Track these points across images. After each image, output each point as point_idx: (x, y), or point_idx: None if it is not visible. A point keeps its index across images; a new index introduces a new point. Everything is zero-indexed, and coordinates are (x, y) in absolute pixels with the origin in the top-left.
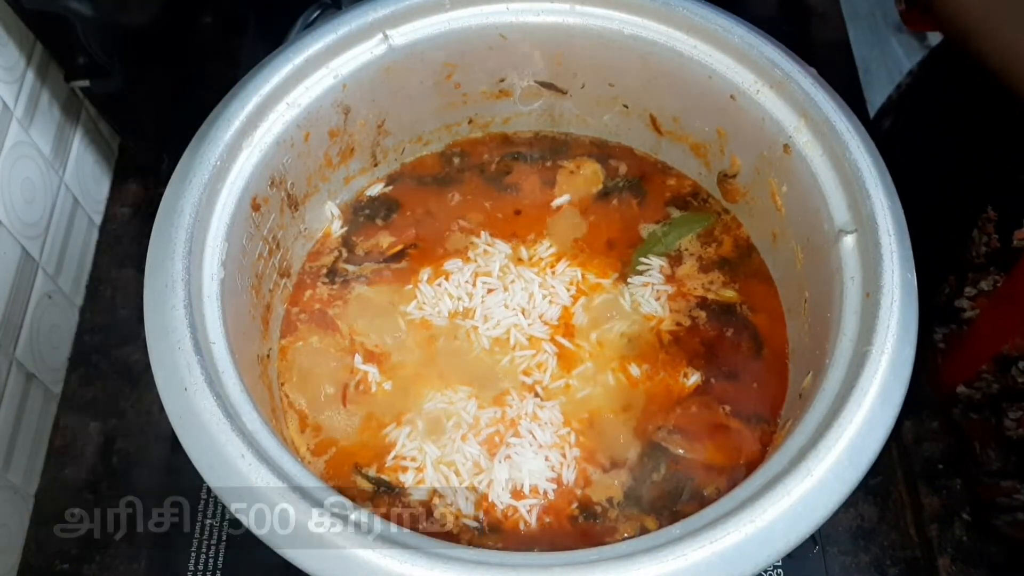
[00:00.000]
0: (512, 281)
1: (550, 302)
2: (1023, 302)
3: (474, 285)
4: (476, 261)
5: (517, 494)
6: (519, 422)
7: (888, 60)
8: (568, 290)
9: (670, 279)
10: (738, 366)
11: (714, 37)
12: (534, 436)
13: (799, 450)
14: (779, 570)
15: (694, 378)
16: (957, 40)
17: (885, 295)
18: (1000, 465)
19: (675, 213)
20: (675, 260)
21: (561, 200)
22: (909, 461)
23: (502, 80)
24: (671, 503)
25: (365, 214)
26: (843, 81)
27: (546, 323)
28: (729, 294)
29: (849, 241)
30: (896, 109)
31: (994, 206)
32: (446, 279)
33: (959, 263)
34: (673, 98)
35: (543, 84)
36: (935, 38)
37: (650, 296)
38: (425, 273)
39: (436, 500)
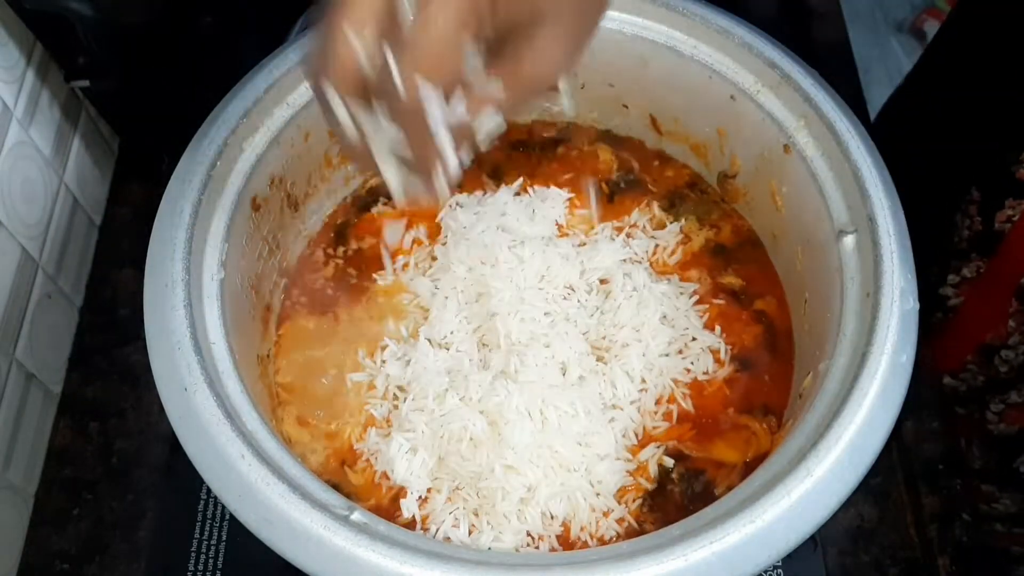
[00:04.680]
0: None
1: (566, 283)
2: (1005, 288)
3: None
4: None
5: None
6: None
7: (888, 60)
8: (581, 269)
9: (680, 264)
10: (751, 356)
11: (714, 37)
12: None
13: (799, 450)
14: (779, 570)
15: (708, 368)
16: None
17: (885, 295)
18: (982, 463)
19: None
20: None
21: (560, 192)
22: (909, 461)
23: None
24: (687, 504)
25: (364, 208)
26: (843, 81)
27: (559, 302)
28: (733, 279)
29: (849, 241)
30: (894, 108)
31: (978, 186)
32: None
33: (942, 250)
34: (673, 98)
35: None
36: None
37: (658, 283)
38: (428, 262)
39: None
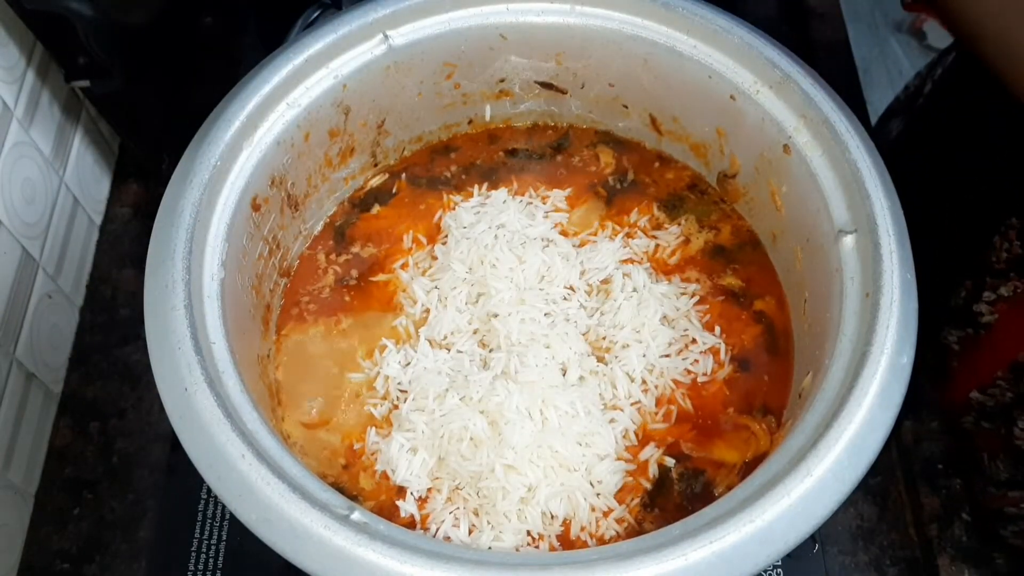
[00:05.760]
0: (523, 262)
1: (566, 282)
2: None
3: (483, 267)
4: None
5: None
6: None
7: (888, 60)
8: (580, 266)
9: (680, 264)
10: (751, 356)
11: (714, 37)
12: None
13: (799, 450)
14: (779, 570)
15: (708, 367)
16: (958, 34)
17: (885, 295)
18: (1008, 476)
19: (661, 215)
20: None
21: (561, 192)
22: (909, 461)
23: (502, 80)
24: (687, 503)
25: (365, 208)
26: (843, 81)
27: (559, 301)
28: (733, 280)
29: (849, 241)
30: (909, 111)
31: (1018, 215)
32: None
33: (978, 267)
34: (673, 98)
35: (543, 84)
36: (935, 39)
37: (657, 285)
38: (428, 262)
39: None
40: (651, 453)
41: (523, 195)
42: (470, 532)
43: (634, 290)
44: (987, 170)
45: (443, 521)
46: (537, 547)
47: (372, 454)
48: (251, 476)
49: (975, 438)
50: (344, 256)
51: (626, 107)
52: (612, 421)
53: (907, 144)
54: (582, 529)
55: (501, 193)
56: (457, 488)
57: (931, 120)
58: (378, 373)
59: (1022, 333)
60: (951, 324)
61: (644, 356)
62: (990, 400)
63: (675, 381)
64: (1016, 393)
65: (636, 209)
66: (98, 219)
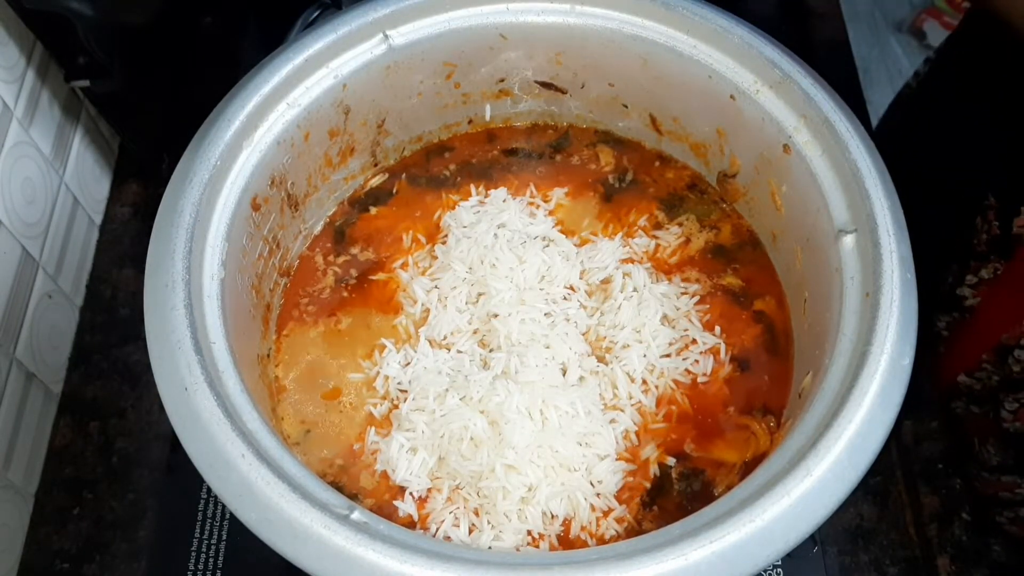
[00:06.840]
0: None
1: (565, 284)
2: (1022, 290)
3: (483, 266)
4: (482, 251)
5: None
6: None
7: (888, 60)
8: (580, 266)
9: (680, 264)
10: (751, 356)
11: (714, 37)
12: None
13: (798, 450)
14: (779, 569)
15: (708, 367)
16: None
17: (885, 295)
18: (999, 460)
19: (661, 214)
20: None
21: (561, 191)
22: (909, 461)
23: (502, 80)
24: (687, 503)
25: (364, 208)
26: (843, 81)
27: (558, 300)
28: (733, 280)
29: (849, 241)
30: (902, 107)
31: (994, 193)
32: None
33: (962, 251)
34: (673, 98)
35: (543, 84)
36: (935, 39)
37: (656, 283)
38: (428, 262)
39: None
40: (651, 453)
41: (523, 194)
42: (470, 532)
43: (634, 290)
44: (967, 153)
45: (443, 521)
46: (537, 547)
47: (372, 454)
48: (251, 476)
49: (965, 424)
50: (344, 256)
51: (626, 107)
52: (612, 421)
53: (902, 135)
54: (582, 529)
55: (501, 192)
56: (457, 488)
57: (920, 110)
58: (378, 373)
59: (1004, 314)
60: (939, 309)
61: (644, 356)
62: (977, 384)
63: (675, 381)
64: (1001, 375)
65: (636, 208)
66: (98, 219)
